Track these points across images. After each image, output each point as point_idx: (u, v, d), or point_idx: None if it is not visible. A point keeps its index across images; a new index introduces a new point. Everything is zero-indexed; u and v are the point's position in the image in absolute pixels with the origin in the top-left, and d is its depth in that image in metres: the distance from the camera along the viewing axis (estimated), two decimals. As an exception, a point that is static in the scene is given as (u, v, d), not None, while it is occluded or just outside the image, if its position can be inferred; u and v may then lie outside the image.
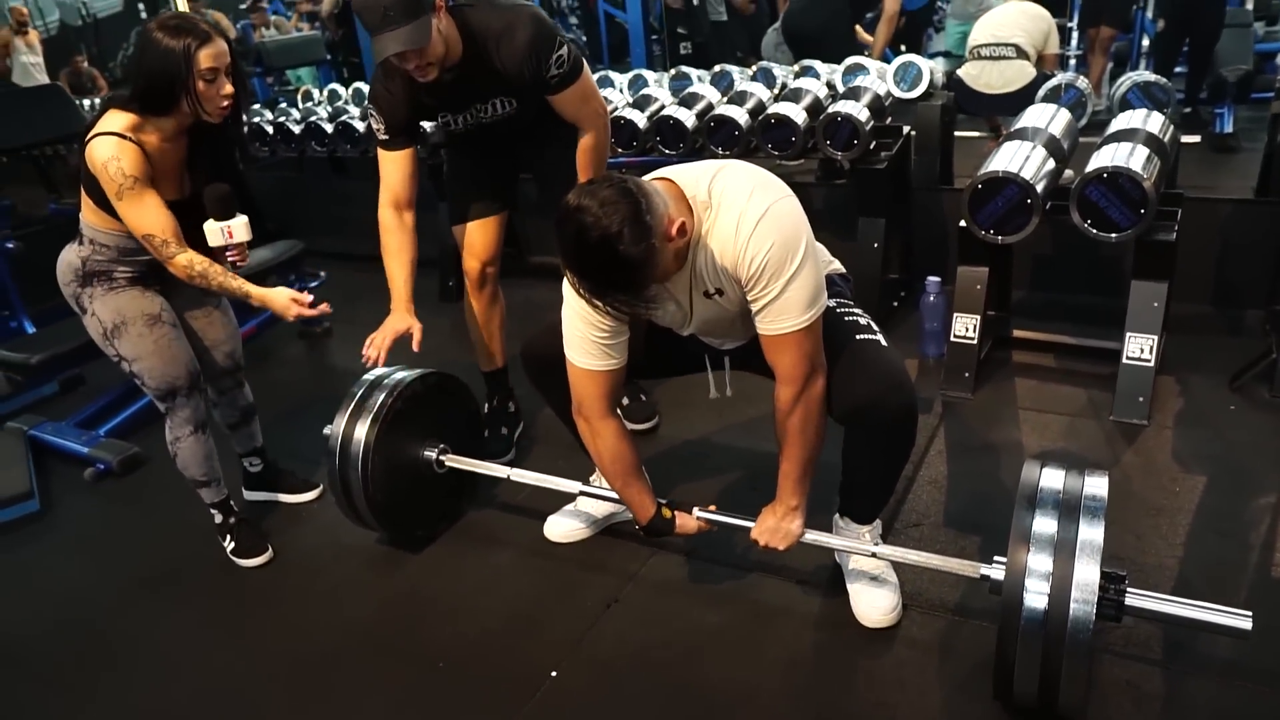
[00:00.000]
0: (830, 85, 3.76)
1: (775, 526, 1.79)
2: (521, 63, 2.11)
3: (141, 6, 10.38)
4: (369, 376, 2.20)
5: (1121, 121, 2.74)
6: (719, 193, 1.56)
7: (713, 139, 3.38)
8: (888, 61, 4.31)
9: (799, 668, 1.78)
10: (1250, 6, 5.92)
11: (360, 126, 4.43)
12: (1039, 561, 1.44)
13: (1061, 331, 2.94)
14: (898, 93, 3.78)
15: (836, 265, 1.89)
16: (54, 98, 4.54)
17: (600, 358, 1.73)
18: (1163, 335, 2.54)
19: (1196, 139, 4.45)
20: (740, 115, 3.35)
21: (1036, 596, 1.42)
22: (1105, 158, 2.45)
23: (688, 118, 3.48)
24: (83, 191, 1.97)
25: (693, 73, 4.33)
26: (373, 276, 4.22)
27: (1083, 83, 3.46)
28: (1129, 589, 1.48)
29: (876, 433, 1.72)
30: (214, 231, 2.00)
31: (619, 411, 1.89)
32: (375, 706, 1.80)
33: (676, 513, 1.90)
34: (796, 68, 4.21)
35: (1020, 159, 2.54)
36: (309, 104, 5.33)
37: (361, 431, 2.09)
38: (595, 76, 2.42)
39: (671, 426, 2.69)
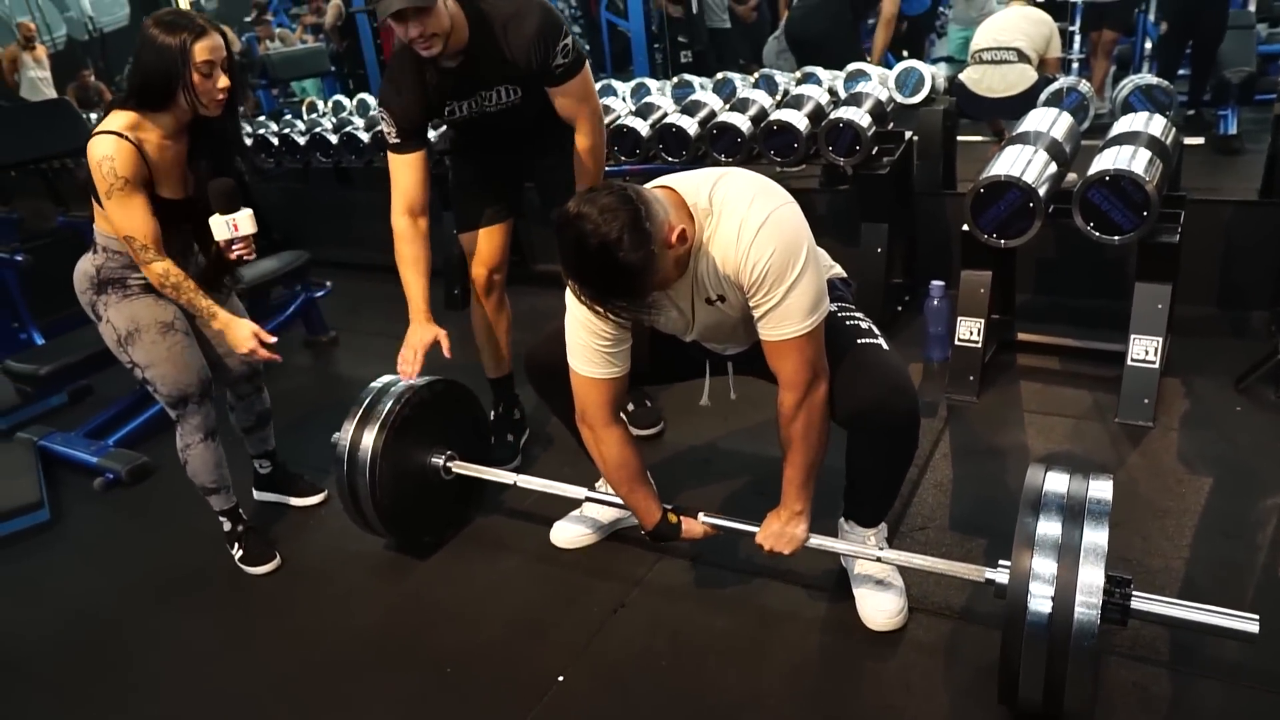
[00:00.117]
0: (832, 91, 3.77)
1: (780, 531, 1.79)
2: (529, 48, 2.12)
3: (148, 20, 10.42)
4: (377, 384, 2.22)
5: (1123, 124, 2.75)
6: (720, 200, 1.57)
7: (715, 146, 3.39)
8: (889, 66, 4.32)
9: (805, 671, 1.79)
10: (1253, 8, 5.92)
11: (365, 137, 4.46)
12: (1043, 566, 1.44)
13: (1066, 334, 2.94)
14: (899, 98, 3.79)
15: (838, 270, 1.90)
16: (61, 112, 4.59)
17: (603, 366, 1.74)
18: (1167, 337, 2.54)
19: (1200, 141, 4.45)
20: (742, 122, 3.36)
21: (1041, 601, 1.42)
22: (1107, 161, 2.46)
23: (690, 125, 3.50)
24: (93, 200, 1.99)
25: (695, 80, 4.34)
26: (378, 286, 4.24)
27: (1084, 86, 3.47)
28: (1135, 592, 1.48)
29: (879, 437, 1.72)
30: (220, 224, 2.00)
31: (624, 417, 1.90)
32: (383, 712, 1.80)
33: (682, 518, 1.90)
34: (798, 74, 4.22)
35: (1022, 163, 2.55)
36: (314, 115, 5.36)
37: (369, 438, 2.10)
38: (598, 85, 2.44)
39: (676, 432, 2.70)
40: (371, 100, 5.24)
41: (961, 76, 4.25)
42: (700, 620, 1.94)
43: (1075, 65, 5.81)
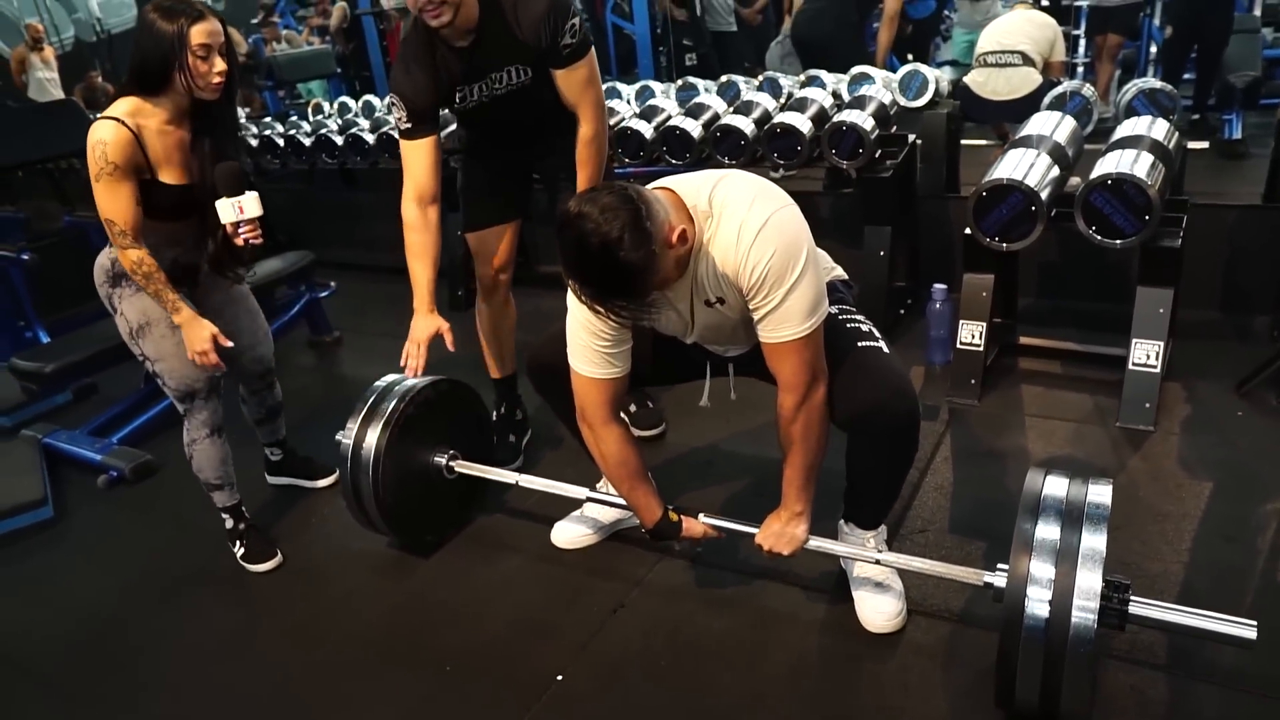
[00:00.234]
0: (836, 95, 3.78)
1: (780, 532, 1.79)
2: (539, 25, 2.11)
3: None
4: (381, 383, 2.23)
5: (1126, 128, 2.75)
6: (720, 202, 1.58)
7: (719, 149, 3.40)
8: (893, 68, 4.32)
9: (804, 673, 1.79)
10: (1258, 12, 5.91)
11: (370, 139, 4.47)
12: (1041, 570, 1.44)
13: (1068, 338, 2.94)
14: (903, 101, 3.79)
15: (839, 272, 1.90)
16: (68, 113, 4.62)
17: (603, 366, 1.75)
18: (1169, 341, 2.54)
19: (1204, 145, 4.44)
20: (746, 125, 3.37)
21: (1038, 605, 1.42)
22: (1110, 164, 2.46)
23: (694, 128, 3.51)
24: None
25: (699, 83, 4.35)
26: (382, 286, 4.25)
27: (1088, 90, 3.47)
28: (1133, 597, 1.48)
29: (879, 439, 1.73)
30: (225, 207, 2.02)
31: (625, 418, 1.90)
32: (384, 709, 1.81)
33: (683, 517, 1.91)
34: (802, 77, 4.23)
35: (1025, 166, 2.55)
36: (319, 117, 5.38)
37: (373, 436, 2.12)
38: (603, 88, 2.44)
39: (678, 433, 2.71)
40: (377, 102, 5.27)
41: (966, 79, 4.25)
42: (700, 621, 1.94)
43: (1080, 69, 5.81)
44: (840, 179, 3.69)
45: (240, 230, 2.04)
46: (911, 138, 3.33)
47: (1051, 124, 2.85)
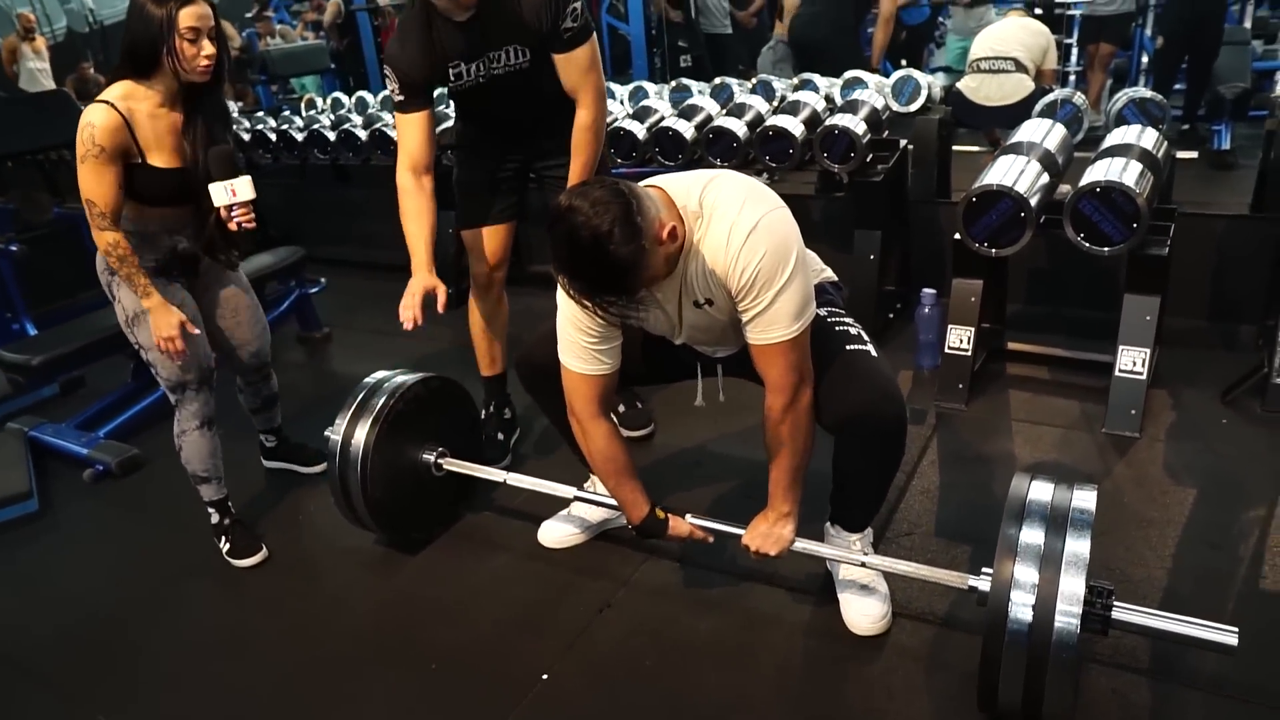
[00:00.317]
0: (829, 98, 3.79)
1: (767, 532, 1.80)
2: (540, 7, 2.11)
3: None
4: (371, 379, 2.23)
5: (1116, 137, 2.77)
6: (710, 203, 1.58)
7: (711, 151, 3.41)
8: (887, 75, 4.34)
9: (789, 674, 1.80)
10: (1249, 25, 5.96)
11: (363, 135, 4.47)
12: (1025, 574, 1.45)
13: (1055, 344, 2.96)
14: (896, 106, 3.82)
15: (828, 273, 1.91)
16: (60, 104, 4.59)
17: (590, 362, 1.76)
18: (1155, 349, 2.56)
19: (1194, 155, 4.48)
20: (739, 127, 3.38)
21: (1022, 609, 1.43)
22: (1098, 172, 2.47)
23: (687, 129, 3.52)
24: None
25: (693, 85, 4.36)
26: (372, 283, 4.25)
27: (1079, 98, 3.49)
28: (1116, 603, 1.49)
29: (867, 443, 1.74)
30: (219, 190, 2.03)
31: (614, 417, 1.91)
32: (371, 707, 1.81)
33: (670, 516, 1.91)
34: (795, 81, 4.24)
35: (1015, 173, 2.56)
36: (312, 112, 5.37)
37: (362, 433, 2.11)
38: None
39: (667, 434, 2.71)
40: (370, 98, 5.26)
41: (959, 85, 4.28)
42: (686, 621, 1.95)
43: (1072, 77, 5.85)
44: (832, 183, 3.71)
45: (233, 214, 2.05)
46: (903, 143, 3.34)
47: (1042, 131, 2.87)
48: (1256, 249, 3.03)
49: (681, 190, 1.60)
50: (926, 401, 2.77)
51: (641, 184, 1.61)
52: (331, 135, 4.60)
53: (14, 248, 3.69)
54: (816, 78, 4.13)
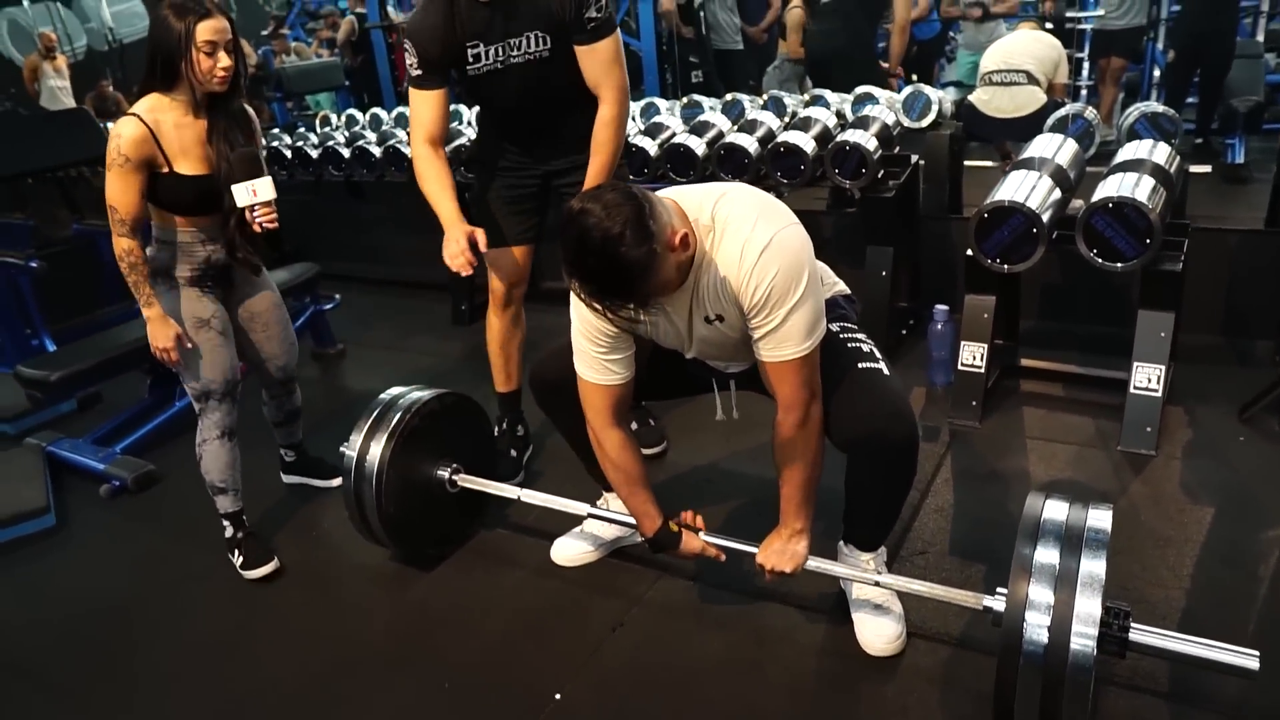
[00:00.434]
0: (840, 114, 3.80)
1: (782, 549, 1.79)
2: None
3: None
4: (386, 395, 2.24)
5: (1128, 152, 2.76)
6: (723, 218, 1.58)
7: (723, 167, 3.42)
8: (898, 90, 4.34)
9: (803, 694, 1.79)
10: (1261, 38, 5.95)
11: (377, 151, 4.50)
12: (1040, 595, 1.43)
13: (1069, 361, 2.94)
14: (907, 122, 3.81)
15: (841, 287, 1.91)
16: (79, 121, 4.64)
17: (601, 372, 1.77)
18: (1170, 365, 2.54)
19: (1208, 169, 4.46)
20: (750, 144, 3.39)
21: (1037, 630, 1.41)
22: (1111, 188, 2.47)
23: (698, 145, 3.52)
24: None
25: (704, 101, 4.38)
26: (386, 299, 4.27)
27: (1090, 113, 3.48)
28: (1133, 624, 1.48)
29: (878, 462, 1.73)
30: (241, 190, 2.10)
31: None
32: (381, 727, 1.81)
33: (684, 530, 1.91)
34: (806, 96, 4.25)
35: (1026, 188, 2.56)
36: (326, 129, 5.41)
37: (377, 448, 2.13)
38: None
39: (679, 452, 2.71)
40: (384, 114, 5.29)
41: (970, 98, 4.27)
42: (699, 640, 1.94)
43: (1084, 92, 5.84)
44: (843, 198, 3.71)
45: (255, 214, 2.13)
46: (914, 158, 3.34)
47: (1054, 146, 2.87)
48: (1271, 263, 3.01)
49: (694, 203, 1.60)
50: (940, 419, 2.76)
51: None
52: (346, 152, 4.63)
53: (33, 264, 3.72)
54: (828, 93, 4.13)
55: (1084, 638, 1.39)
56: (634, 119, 4.29)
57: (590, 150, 2.30)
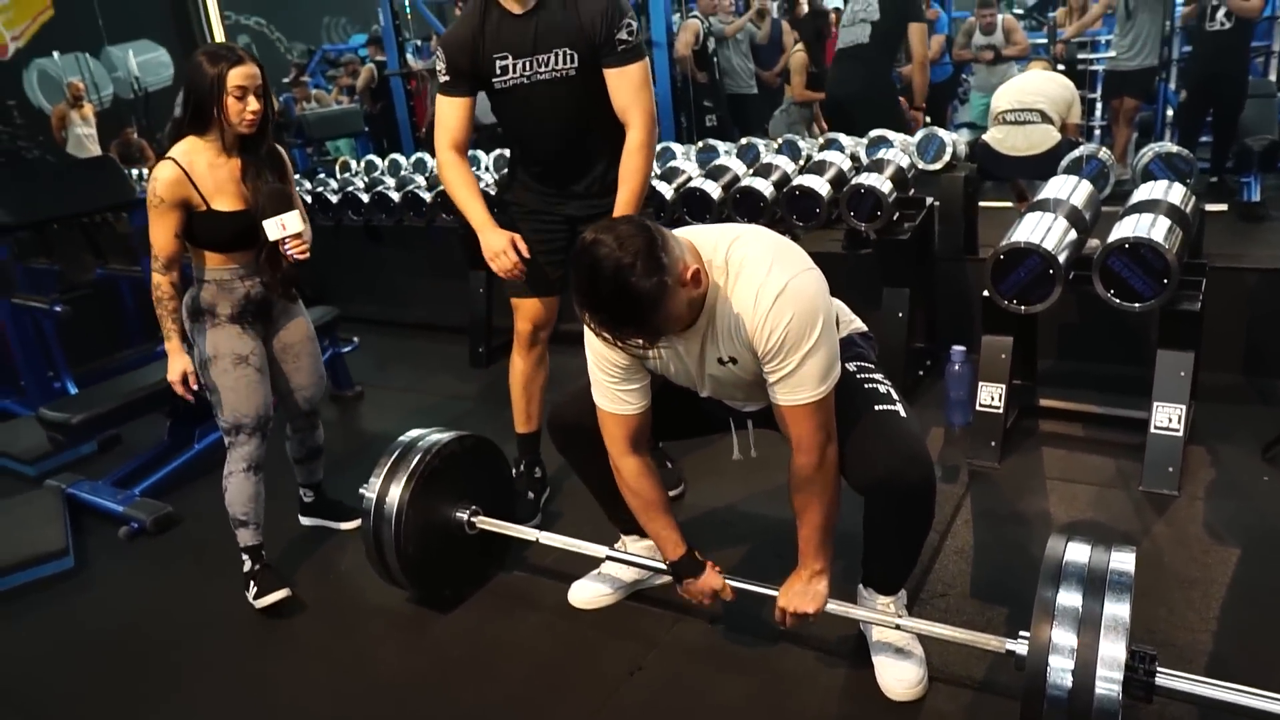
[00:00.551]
0: (854, 157, 3.83)
1: (803, 590, 1.78)
2: (598, 15, 2.18)
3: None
4: (405, 437, 2.25)
5: (1143, 193, 2.77)
6: (738, 260, 1.59)
7: (738, 210, 3.44)
8: (923, 127, 4.37)
9: (824, 741, 1.76)
10: (1274, 77, 5.98)
11: (396, 196, 4.57)
12: (1063, 639, 1.41)
13: (1089, 400, 2.92)
14: (921, 164, 3.84)
15: (858, 324, 1.91)
16: (104, 169, 4.74)
17: (616, 402, 1.78)
18: (1191, 405, 2.52)
19: (1224, 208, 4.45)
20: (765, 187, 3.42)
21: (1061, 675, 1.39)
22: (1127, 228, 2.48)
23: (714, 190, 3.56)
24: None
25: (719, 145, 4.43)
26: (404, 342, 4.30)
27: (1104, 154, 3.50)
28: (1160, 669, 1.45)
29: (894, 506, 1.72)
30: (271, 225, 2.20)
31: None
32: (397, 773, 1.79)
33: (708, 563, 1.90)
34: (821, 140, 4.29)
35: (1042, 230, 2.57)
36: (346, 174, 5.50)
37: (396, 490, 2.14)
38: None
39: (698, 494, 2.70)
40: (403, 160, 5.38)
41: (985, 137, 4.29)
42: (718, 684, 1.92)
43: (1098, 132, 5.87)
44: (858, 240, 3.72)
45: (286, 246, 2.22)
46: (929, 200, 3.36)
47: (1069, 188, 2.88)
48: (1291, 302, 3.00)
49: (708, 244, 1.61)
50: (959, 460, 2.74)
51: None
52: (365, 197, 4.71)
53: (58, 308, 3.79)
54: (842, 137, 4.18)
55: (1109, 682, 1.37)
56: (649, 162, 4.33)
57: (615, 189, 2.32)
